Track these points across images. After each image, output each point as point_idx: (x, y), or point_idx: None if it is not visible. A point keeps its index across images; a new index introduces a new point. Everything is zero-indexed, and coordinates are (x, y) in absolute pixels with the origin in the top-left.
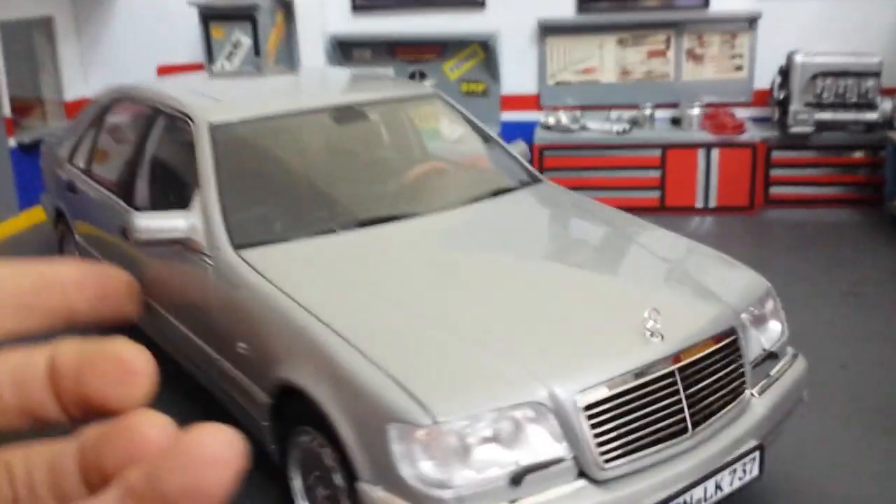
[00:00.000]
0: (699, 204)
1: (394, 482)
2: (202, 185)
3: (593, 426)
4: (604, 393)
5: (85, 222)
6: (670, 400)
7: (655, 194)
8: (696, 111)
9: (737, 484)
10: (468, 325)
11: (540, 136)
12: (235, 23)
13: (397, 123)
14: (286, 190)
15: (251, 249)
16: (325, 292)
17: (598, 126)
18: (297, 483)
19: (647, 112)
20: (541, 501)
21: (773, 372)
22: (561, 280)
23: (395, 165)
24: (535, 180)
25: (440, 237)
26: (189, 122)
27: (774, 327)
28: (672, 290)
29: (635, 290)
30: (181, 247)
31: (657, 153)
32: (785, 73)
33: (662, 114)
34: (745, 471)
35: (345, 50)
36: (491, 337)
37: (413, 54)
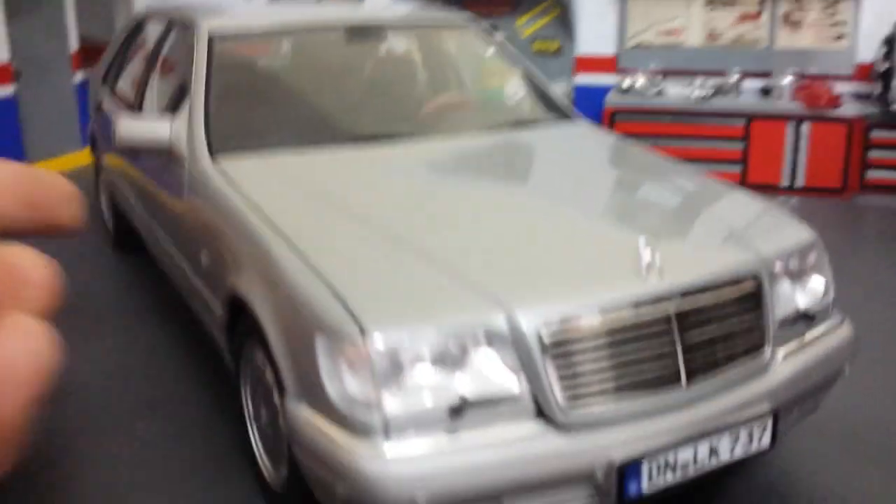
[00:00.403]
0: (785, 182)
1: (320, 400)
2: (192, 92)
3: (557, 362)
4: (575, 326)
5: (105, 142)
6: (662, 344)
7: (736, 169)
8: (787, 80)
9: (739, 452)
10: (435, 246)
11: (612, 100)
12: None
13: (427, 53)
14: (280, 102)
15: (228, 157)
16: (290, 202)
17: (679, 92)
18: (248, 403)
19: (734, 79)
20: (486, 439)
21: (808, 335)
22: (555, 210)
23: (411, 92)
24: (567, 117)
25: (432, 160)
26: (193, 31)
27: (816, 286)
28: (687, 227)
29: (640, 224)
30: (167, 157)
31: (741, 123)
32: (890, 42)
33: (752, 83)
34: (751, 437)
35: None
36: (456, 259)
37: (484, 7)
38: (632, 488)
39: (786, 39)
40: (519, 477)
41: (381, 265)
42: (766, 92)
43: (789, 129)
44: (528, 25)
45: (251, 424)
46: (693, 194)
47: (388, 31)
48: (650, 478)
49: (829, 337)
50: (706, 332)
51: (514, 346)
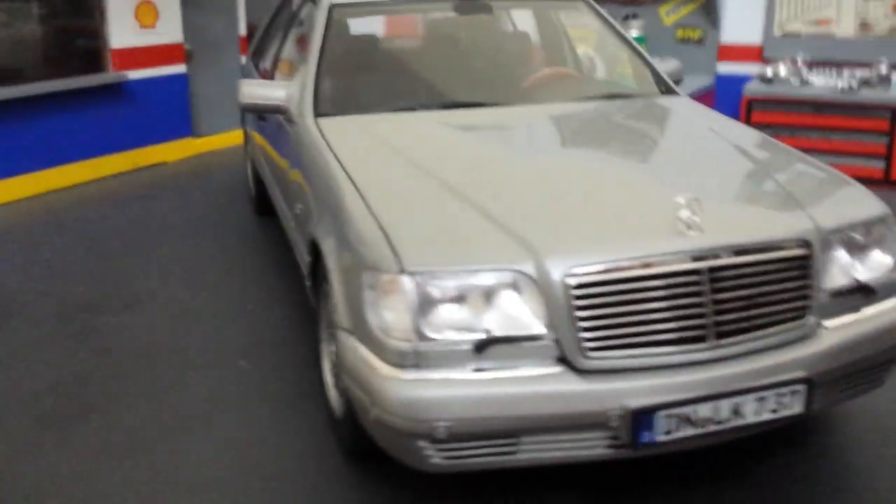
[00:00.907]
0: None
1: (363, 331)
2: (308, 59)
3: (580, 308)
4: (600, 276)
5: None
6: (692, 301)
7: (879, 164)
8: None
9: (766, 416)
10: (486, 197)
11: (751, 88)
12: None
13: (536, 27)
14: (386, 70)
15: (329, 118)
16: (367, 156)
17: (823, 82)
18: (323, 343)
19: (883, 71)
20: (508, 376)
21: (867, 309)
22: (613, 170)
23: (514, 64)
24: (670, 92)
25: (510, 123)
26: (318, 4)
27: (880, 259)
28: (744, 190)
29: (691, 183)
30: (282, 120)
31: (886, 116)
32: None
33: None
34: (779, 403)
35: None
36: (500, 210)
37: None
38: (644, 436)
39: None
40: (535, 414)
41: (431, 213)
42: None
43: None
44: (671, 13)
45: (323, 358)
46: (763, 161)
47: (493, 6)
48: (665, 429)
49: (888, 314)
50: (742, 293)
51: (541, 290)
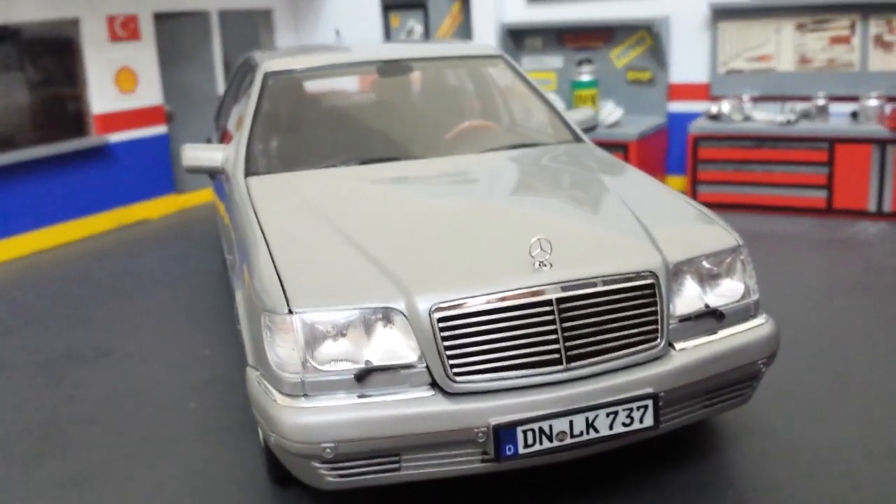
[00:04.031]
0: (872, 207)
1: (263, 365)
2: (243, 122)
3: (445, 339)
4: (461, 310)
5: None
6: (543, 329)
7: (822, 194)
8: (873, 103)
9: (619, 429)
10: (373, 242)
11: (696, 126)
12: (410, 11)
13: (455, 83)
14: (314, 130)
15: (257, 177)
16: (282, 209)
17: (764, 117)
18: None
19: (820, 103)
20: (386, 400)
21: (720, 332)
22: (488, 214)
23: (437, 119)
24: (576, 140)
25: (414, 175)
26: (256, 70)
27: (731, 287)
28: (600, 226)
29: (551, 223)
30: (224, 179)
31: (824, 147)
32: None
33: (843, 107)
34: (630, 417)
35: (516, 38)
36: (385, 253)
37: (581, 41)
38: (507, 449)
39: (879, 62)
40: (410, 433)
41: (323, 260)
42: (855, 116)
43: (875, 154)
44: (622, 56)
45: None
46: (631, 199)
47: (415, 66)
48: (525, 442)
49: (741, 335)
50: (589, 321)
51: (412, 324)
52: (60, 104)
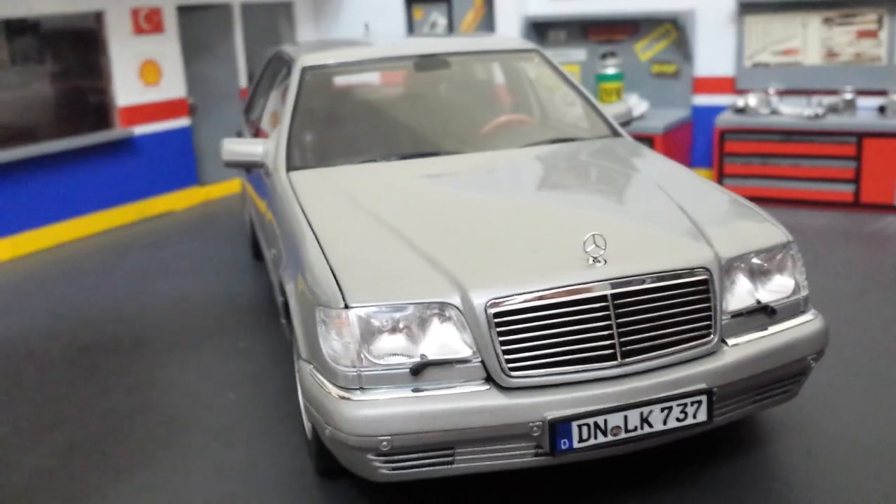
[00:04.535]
0: None
1: (318, 359)
2: (282, 117)
3: (501, 334)
4: (516, 305)
5: None
6: (599, 325)
7: (849, 188)
8: None
9: (673, 424)
10: (425, 238)
11: (723, 119)
12: (433, 4)
13: (493, 78)
14: (354, 125)
15: (300, 171)
16: (328, 204)
17: (791, 111)
18: (297, 374)
19: (848, 97)
20: (442, 394)
21: (771, 328)
22: (538, 210)
23: (474, 114)
24: (615, 134)
25: (457, 170)
26: (292, 65)
27: (782, 283)
28: (651, 223)
29: (602, 219)
30: (263, 172)
31: (852, 142)
32: None
33: (871, 101)
34: (684, 413)
35: (540, 31)
36: (438, 248)
37: (605, 34)
38: (562, 444)
39: None
40: (465, 427)
41: (376, 255)
42: (882, 110)
43: None
44: (646, 49)
45: (299, 390)
46: (679, 195)
47: (450, 60)
48: (580, 436)
49: (791, 331)
50: (644, 317)
51: (468, 319)
52: (85, 97)
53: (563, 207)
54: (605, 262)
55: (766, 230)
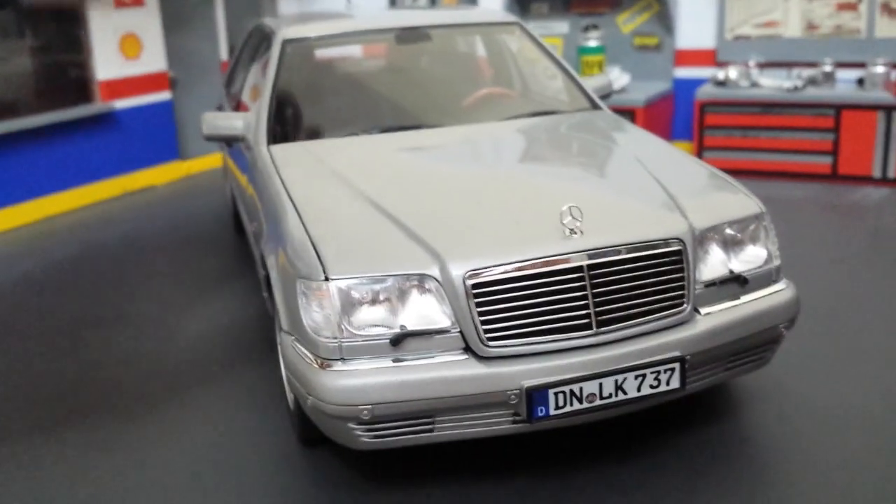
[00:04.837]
0: (876, 173)
1: (298, 330)
2: (263, 90)
3: (479, 305)
4: (494, 276)
5: None
6: (574, 295)
7: (827, 160)
8: (879, 70)
9: (647, 391)
10: (404, 210)
11: (703, 92)
12: None
13: (472, 51)
14: (335, 98)
15: (280, 145)
16: (308, 177)
17: (771, 83)
18: (279, 346)
19: (827, 69)
20: (421, 363)
21: (743, 298)
22: (515, 182)
23: (455, 87)
24: (595, 107)
25: (438, 143)
26: (272, 38)
27: (754, 253)
28: (627, 194)
29: (579, 191)
30: (244, 146)
31: (830, 114)
32: None
33: (850, 73)
34: (657, 380)
35: (522, 4)
36: (417, 220)
37: (587, 7)
38: (539, 411)
39: (885, 28)
40: (444, 396)
41: (356, 228)
42: (861, 82)
43: (881, 120)
44: (628, 22)
45: (281, 361)
46: (654, 167)
47: (432, 33)
48: (557, 404)
49: (760, 301)
50: (620, 287)
51: (446, 290)
52: (65, 71)
53: (541, 180)
54: (582, 233)
55: (739, 201)
